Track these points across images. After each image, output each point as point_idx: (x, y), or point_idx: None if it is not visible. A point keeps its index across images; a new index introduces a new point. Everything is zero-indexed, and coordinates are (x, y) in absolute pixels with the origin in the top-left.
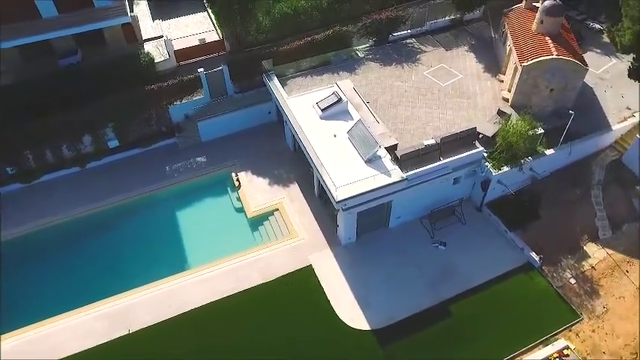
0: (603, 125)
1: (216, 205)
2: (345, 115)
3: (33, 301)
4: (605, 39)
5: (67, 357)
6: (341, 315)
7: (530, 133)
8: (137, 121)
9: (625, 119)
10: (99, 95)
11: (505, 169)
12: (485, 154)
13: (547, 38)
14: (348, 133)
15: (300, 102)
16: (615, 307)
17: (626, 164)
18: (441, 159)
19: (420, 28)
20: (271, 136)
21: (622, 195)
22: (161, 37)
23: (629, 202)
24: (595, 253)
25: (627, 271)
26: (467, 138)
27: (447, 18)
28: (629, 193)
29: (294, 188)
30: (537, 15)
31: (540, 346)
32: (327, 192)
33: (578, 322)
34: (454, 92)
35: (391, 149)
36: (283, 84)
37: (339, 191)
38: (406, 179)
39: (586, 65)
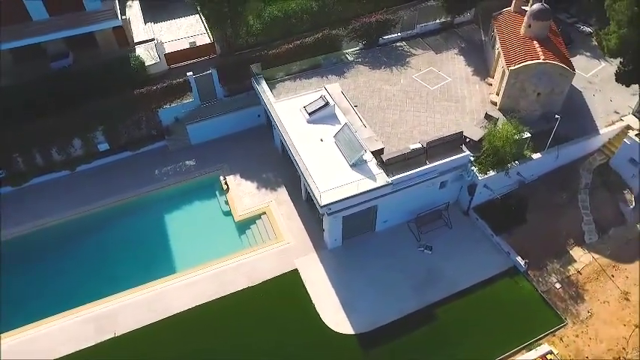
0: (591, 129)
1: (205, 209)
2: (332, 119)
3: (19, 305)
4: (595, 42)
5: None
6: (325, 319)
7: (517, 137)
8: (127, 125)
9: (613, 123)
10: (89, 98)
11: (491, 173)
12: (472, 159)
13: (535, 42)
14: (334, 138)
15: (288, 106)
16: (600, 312)
17: (614, 168)
18: (427, 163)
19: (410, 31)
20: (260, 140)
21: (609, 199)
22: (152, 40)
23: (616, 206)
24: (581, 257)
25: (613, 276)
26: (453, 142)
27: (437, 21)
28: (617, 197)
29: (282, 191)
30: (525, 19)
31: (524, 350)
32: (312, 196)
33: (562, 326)
34: (442, 96)
35: (377, 153)
36: (272, 87)
37: (324, 196)
38: (391, 184)
39: (573, 69)
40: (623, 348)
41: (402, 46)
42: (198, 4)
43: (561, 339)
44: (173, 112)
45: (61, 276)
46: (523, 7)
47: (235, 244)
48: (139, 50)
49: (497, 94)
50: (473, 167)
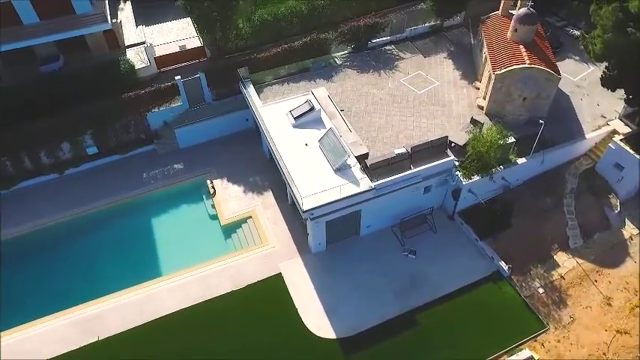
0: (578, 133)
1: (192, 212)
2: (318, 123)
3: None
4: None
5: None
6: (308, 324)
7: (501, 142)
8: (116, 128)
9: (599, 127)
10: (78, 102)
11: (475, 178)
12: (457, 163)
13: (521, 46)
14: (319, 142)
15: (275, 110)
16: (582, 317)
17: (600, 173)
18: (412, 168)
19: (399, 35)
20: (248, 144)
21: (594, 204)
22: (143, 43)
23: (602, 210)
24: (565, 262)
25: (596, 281)
26: (438, 147)
27: (426, 24)
28: (602, 202)
29: (269, 195)
30: (512, 23)
31: (505, 356)
32: (295, 201)
33: (544, 331)
34: (429, 100)
35: (362, 158)
36: (260, 91)
37: (306, 201)
38: (374, 188)
39: (559, 74)
40: (604, 353)
41: (390, 50)
42: (188, 9)
43: (543, 344)
44: (162, 115)
45: (51, 279)
46: (510, 11)
47: (221, 248)
48: (130, 53)
49: (484, 99)
50: (457, 172)
